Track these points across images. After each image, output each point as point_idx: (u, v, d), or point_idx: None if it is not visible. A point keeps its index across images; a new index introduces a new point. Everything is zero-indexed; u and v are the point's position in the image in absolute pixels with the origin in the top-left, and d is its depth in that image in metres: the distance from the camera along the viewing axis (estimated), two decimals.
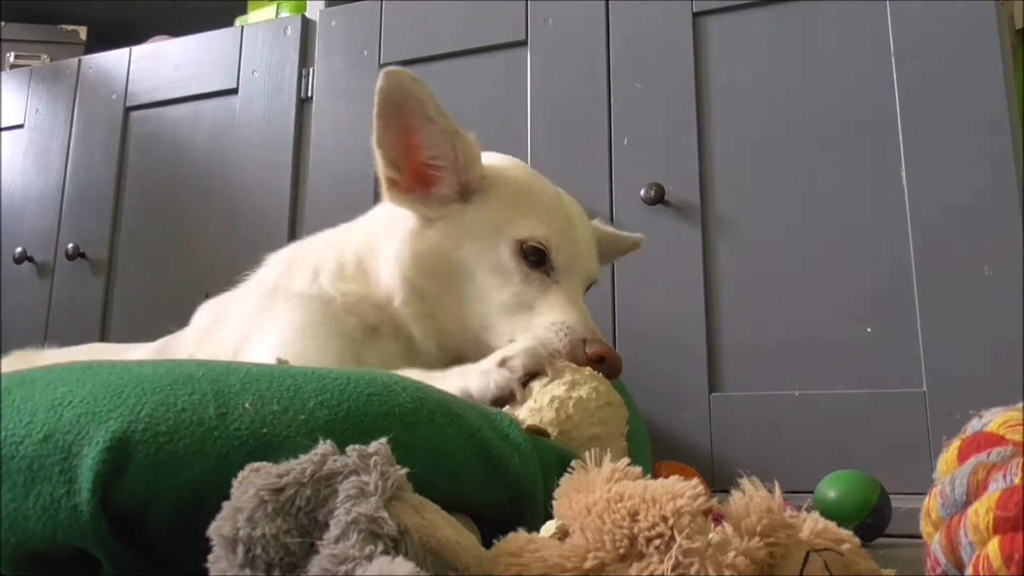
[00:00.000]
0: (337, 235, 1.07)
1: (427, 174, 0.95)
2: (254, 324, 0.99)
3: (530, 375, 0.78)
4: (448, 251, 0.94)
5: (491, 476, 0.61)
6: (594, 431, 0.76)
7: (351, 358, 0.92)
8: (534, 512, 0.62)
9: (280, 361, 0.84)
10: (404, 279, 0.95)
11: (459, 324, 0.95)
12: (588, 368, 0.82)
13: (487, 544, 0.49)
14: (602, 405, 0.77)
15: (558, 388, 0.77)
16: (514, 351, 0.80)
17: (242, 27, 1.95)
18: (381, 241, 1.00)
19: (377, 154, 0.94)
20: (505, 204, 0.96)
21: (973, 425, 0.61)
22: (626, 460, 0.53)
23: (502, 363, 0.79)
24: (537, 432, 0.70)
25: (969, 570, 0.51)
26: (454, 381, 0.79)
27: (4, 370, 0.63)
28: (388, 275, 0.97)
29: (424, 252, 0.95)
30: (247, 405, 0.54)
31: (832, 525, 0.50)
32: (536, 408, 0.75)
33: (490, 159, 1.01)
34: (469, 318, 0.94)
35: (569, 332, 0.88)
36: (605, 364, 0.86)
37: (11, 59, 2.36)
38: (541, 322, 0.90)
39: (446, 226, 0.95)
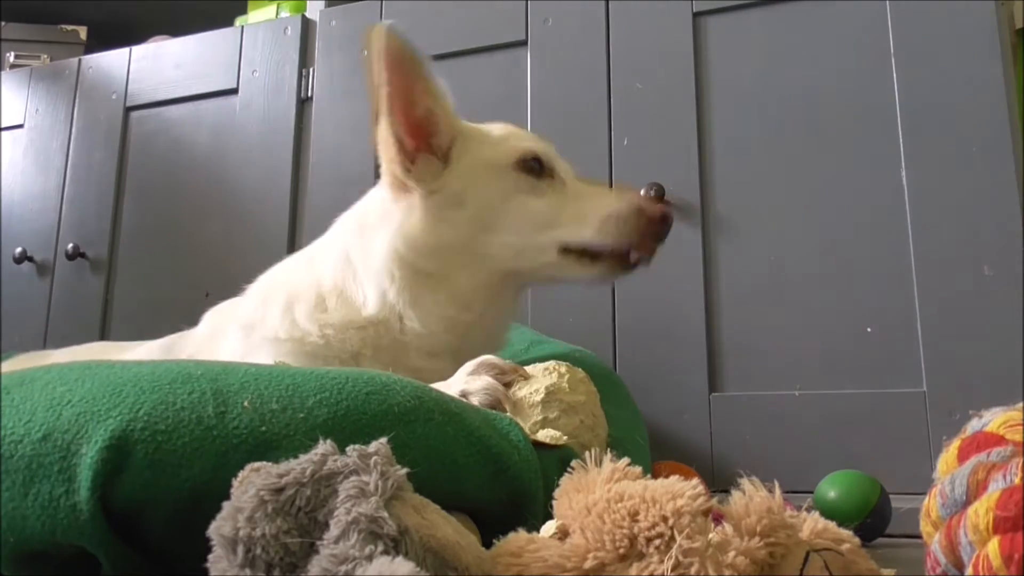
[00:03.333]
0: (308, 263, 1.05)
1: (426, 127, 0.97)
2: None
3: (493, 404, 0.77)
4: (459, 206, 0.96)
5: (491, 474, 0.61)
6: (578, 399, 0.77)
7: None
8: (534, 511, 0.62)
9: (279, 363, 0.84)
10: (403, 259, 0.94)
11: (484, 267, 0.96)
12: (539, 367, 0.82)
13: (487, 544, 0.49)
14: (572, 381, 0.79)
15: (536, 395, 0.76)
16: (473, 388, 0.78)
17: (242, 27, 1.95)
18: (361, 248, 0.99)
19: (386, 122, 0.93)
20: (481, 144, 1.00)
21: (973, 425, 0.61)
22: (626, 460, 0.53)
23: (463, 396, 0.77)
24: (539, 445, 0.69)
25: (969, 570, 0.51)
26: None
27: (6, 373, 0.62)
28: (377, 270, 0.95)
29: (435, 217, 0.95)
30: (246, 403, 0.54)
31: (832, 525, 0.50)
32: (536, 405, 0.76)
33: None
34: (500, 255, 0.96)
35: (624, 221, 0.95)
36: (666, 224, 0.96)
37: (11, 59, 2.36)
38: (593, 213, 0.96)
39: (445, 190, 0.96)
